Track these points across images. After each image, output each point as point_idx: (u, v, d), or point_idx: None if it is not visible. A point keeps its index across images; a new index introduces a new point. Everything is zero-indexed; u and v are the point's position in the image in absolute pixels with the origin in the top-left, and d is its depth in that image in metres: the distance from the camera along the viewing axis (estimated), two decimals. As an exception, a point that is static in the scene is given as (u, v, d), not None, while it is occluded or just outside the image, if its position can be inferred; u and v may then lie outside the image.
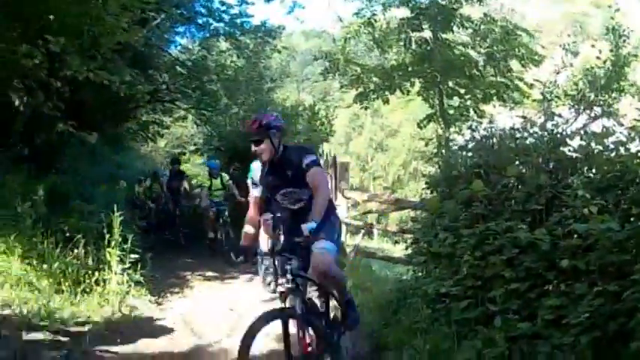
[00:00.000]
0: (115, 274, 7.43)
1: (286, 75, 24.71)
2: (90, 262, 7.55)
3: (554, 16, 48.05)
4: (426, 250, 5.61)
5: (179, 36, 17.92)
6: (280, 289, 4.17)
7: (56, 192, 8.88)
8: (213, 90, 16.65)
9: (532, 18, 33.54)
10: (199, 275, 10.21)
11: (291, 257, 4.22)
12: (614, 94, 13.04)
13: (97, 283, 7.28)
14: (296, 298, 4.16)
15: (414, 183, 33.47)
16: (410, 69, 14.03)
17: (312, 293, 4.60)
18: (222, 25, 16.51)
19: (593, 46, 13.37)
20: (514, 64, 13.87)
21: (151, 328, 6.93)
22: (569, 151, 4.82)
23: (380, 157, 42.76)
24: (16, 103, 9.83)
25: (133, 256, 7.60)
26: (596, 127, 5.03)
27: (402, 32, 13.65)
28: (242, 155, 11.87)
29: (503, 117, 8.60)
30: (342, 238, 9.77)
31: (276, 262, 4.37)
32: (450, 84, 13.94)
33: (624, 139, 4.35)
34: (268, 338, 4.72)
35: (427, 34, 13.66)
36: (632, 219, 3.66)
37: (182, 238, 13.25)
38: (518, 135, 5.38)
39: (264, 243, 7.32)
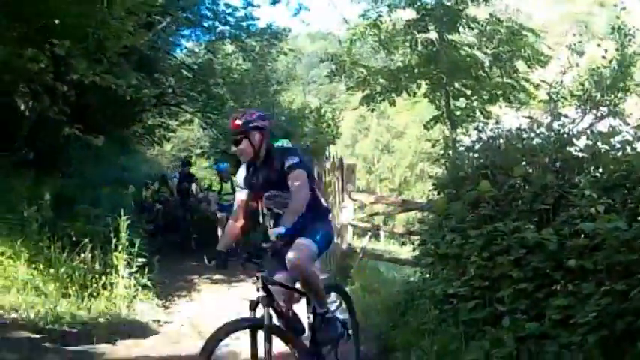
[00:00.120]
0: (122, 277, 7.47)
1: (292, 77, 24.65)
2: (97, 266, 7.58)
3: (558, 17, 48.04)
4: (434, 251, 5.60)
5: (185, 39, 18.09)
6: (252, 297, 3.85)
7: (62, 196, 8.91)
8: (219, 93, 16.67)
9: (538, 18, 33.47)
10: (207, 278, 10.17)
11: (258, 262, 3.84)
12: (620, 94, 12.96)
13: (104, 287, 7.32)
14: (265, 307, 3.80)
15: (421, 184, 33.37)
16: (416, 70, 13.96)
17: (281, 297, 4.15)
18: (227, 28, 16.55)
19: (598, 45, 13.29)
20: (520, 65, 13.81)
21: (158, 332, 6.95)
22: (576, 151, 4.80)
23: (386, 159, 42.68)
24: (22, 107, 9.89)
25: (140, 259, 7.62)
26: (602, 126, 5.04)
27: (407, 34, 13.60)
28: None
29: (509, 118, 8.61)
30: (350, 241, 9.82)
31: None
32: (457, 85, 13.88)
33: (630, 139, 4.35)
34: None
35: (433, 35, 13.60)
36: (638, 218, 3.65)
37: (193, 243, 12.97)
38: (524, 135, 5.34)
39: None
